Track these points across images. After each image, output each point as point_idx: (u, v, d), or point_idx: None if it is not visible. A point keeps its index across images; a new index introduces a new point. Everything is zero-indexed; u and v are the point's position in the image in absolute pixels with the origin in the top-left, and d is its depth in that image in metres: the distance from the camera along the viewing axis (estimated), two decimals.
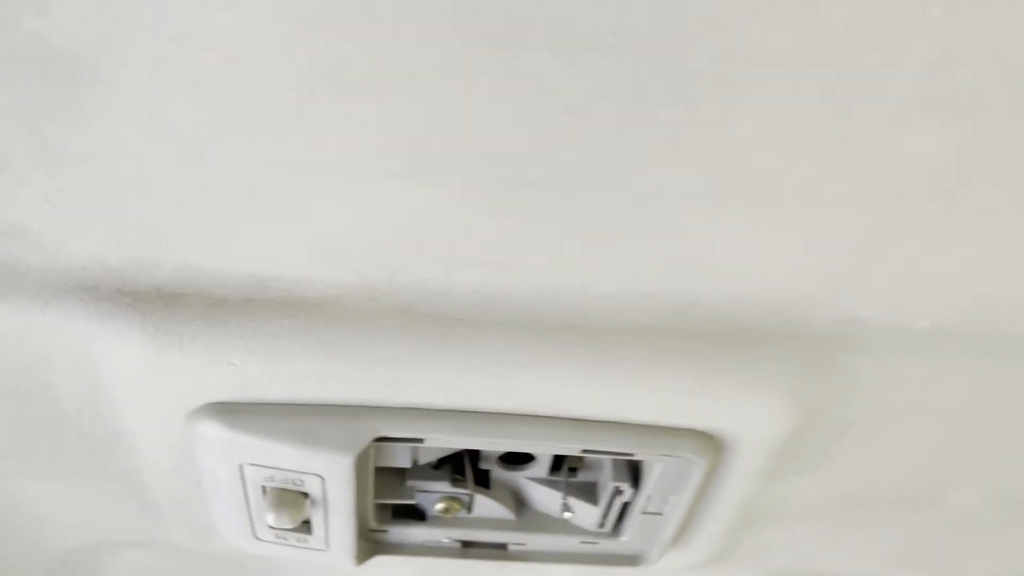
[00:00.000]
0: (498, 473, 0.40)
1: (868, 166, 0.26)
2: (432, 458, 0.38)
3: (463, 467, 0.39)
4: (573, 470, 0.40)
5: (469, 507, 0.39)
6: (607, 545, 0.42)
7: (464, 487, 0.39)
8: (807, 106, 0.25)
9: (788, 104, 0.25)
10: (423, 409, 0.33)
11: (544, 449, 0.35)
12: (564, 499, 0.38)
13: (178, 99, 0.25)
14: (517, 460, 0.40)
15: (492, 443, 0.34)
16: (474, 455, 0.39)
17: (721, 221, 0.28)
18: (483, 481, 0.40)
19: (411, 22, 0.23)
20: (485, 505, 0.40)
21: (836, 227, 0.28)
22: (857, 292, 0.31)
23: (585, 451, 0.35)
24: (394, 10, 0.23)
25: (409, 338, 0.32)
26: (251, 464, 0.34)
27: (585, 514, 0.40)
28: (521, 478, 0.40)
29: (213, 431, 0.33)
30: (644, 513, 0.39)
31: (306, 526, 0.38)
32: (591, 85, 0.24)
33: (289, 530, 0.38)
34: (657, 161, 0.26)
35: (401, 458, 0.37)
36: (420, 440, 0.34)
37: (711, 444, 0.35)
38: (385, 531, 0.41)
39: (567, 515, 0.38)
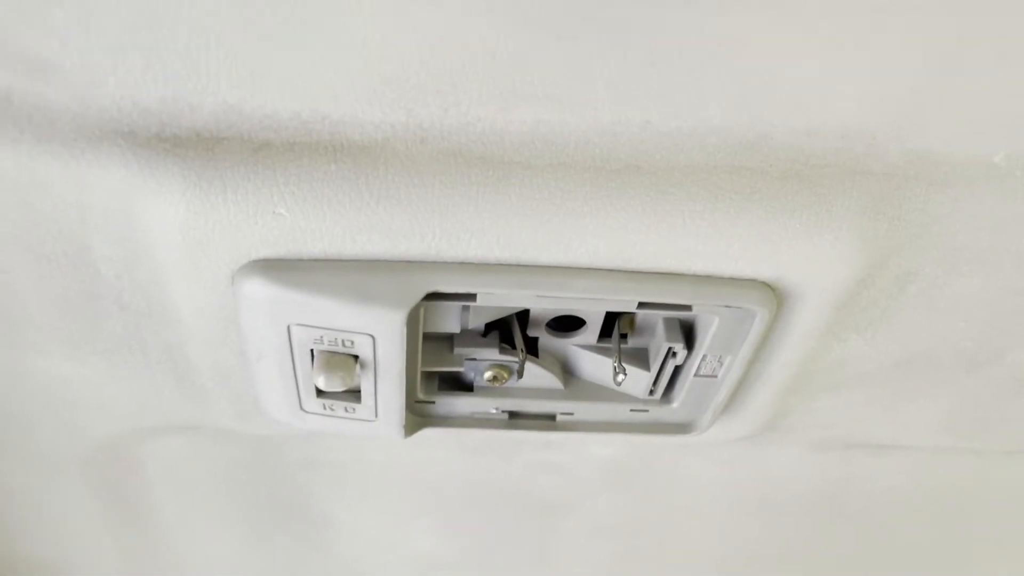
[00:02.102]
0: (546, 341, 0.39)
1: None
2: (481, 321, 0.37)
3: (511, 336, 0.38)
4: (623, 336, 0.39)
5: (519, 374, 0.38)
6: (657, 413, 0.41)
7: (512, 354, 0.38)
8: None
9: None
10: (476, 263, 0.32)
11: (600, 304, 0.34)
12: (617, 361, 0.37)
13: None
14: (565, 327, 0.39)
15: (547, 298, 0.33)
16: (522, 322, 0.38)
17: (798, 33, 0.26)
18: (531, 350, 0.39)
19: None
20: (533, 374, 0.39)
21: (922, 40, 0.27)
22: (933, 120, 0.29)
23: (642, 304, 0.33)
24: None
25: (462, 184, 0.30)
26: (299, 324, 0.33)
27: (636, 380, 0.39)
28: (570, 346, 0.39)
29: (259, 289, 0.32)
30: (697, 376, 0.38)
31: (354, 395, 0.37)
32: None
33: (337, 399, 0.37)
34: None
35: (450, 322, 0.36)
36: (472, 296, 0.33)
37: (772, 295, 0.33)
38: (432, 402, 0.40)
39: (620, 378, 0.37)
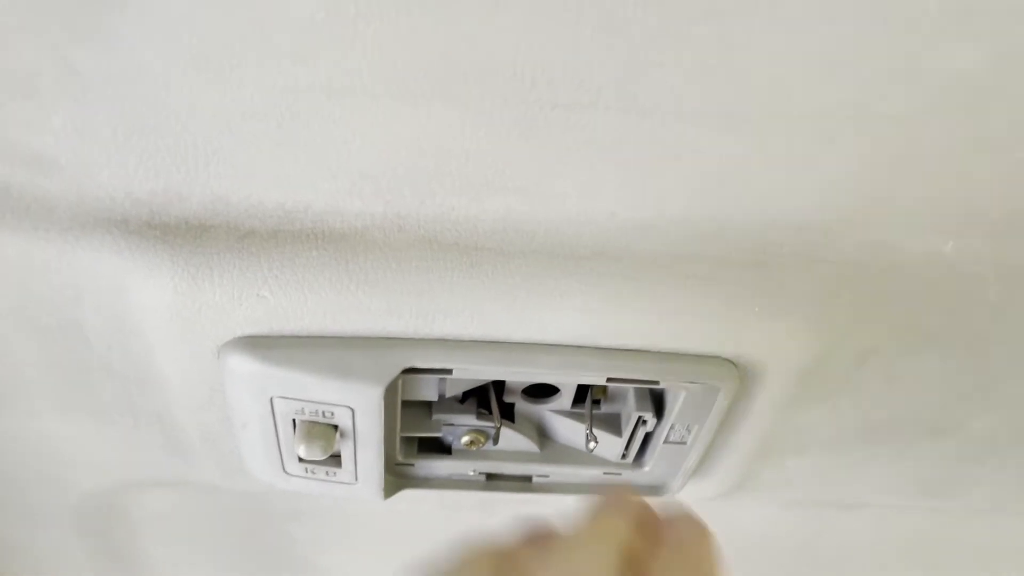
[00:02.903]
0: (522, 406, 0.40)
1: (902, 81, 0.26)
2: (458, 391, 0.38)
3: (488, 401, 0.40)
4: (596, 402, 0.40)
5: (495, 440, 0.40)
6: (630, 476, 0.42)
7: (489, 420, 0.39)
8: (841, 21, 0.24)
9: (822, 20, 0.24)
10: (451, 340, 0.34)
11: (570, 379, 0.36)
12: (589, 429, 0.39)
13: (206, 21, 0.25)
14: (541, 393, 0.40)
15: (519, 373, 0.35)
16: (499, 388, 0.40)
17: (752, 141, 0.28)
18: (508, 415, 0.41)
19: None
20: (510, 438, 0.41)
21: (867, 146, 0.28)
22: (885, 214, 0.31)
23: (610, 380, 0.35)
24: None
25: (437, 268, 0.32)
26: (281, 397, 0.34)
27: (608, 445, 0.41)
28: (545, 411, 0.41)
29: (243, 365, 0.33)
30: (667, 443, 0.40)
31: (335, 460, 0.38)
32: (623, 2, 0.24)
33: (318, 463, 0.38)
34: (688, 79, 0.26)
35: (428, 391, 0.37)
36: (448, 371, 0.34)
37: (735, 371, 0.35)
38: (411, 465, 0.41)
39: (592, 445, 0.39)
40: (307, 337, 0.33)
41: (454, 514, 0.52)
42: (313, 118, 0.27)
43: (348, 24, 0.24)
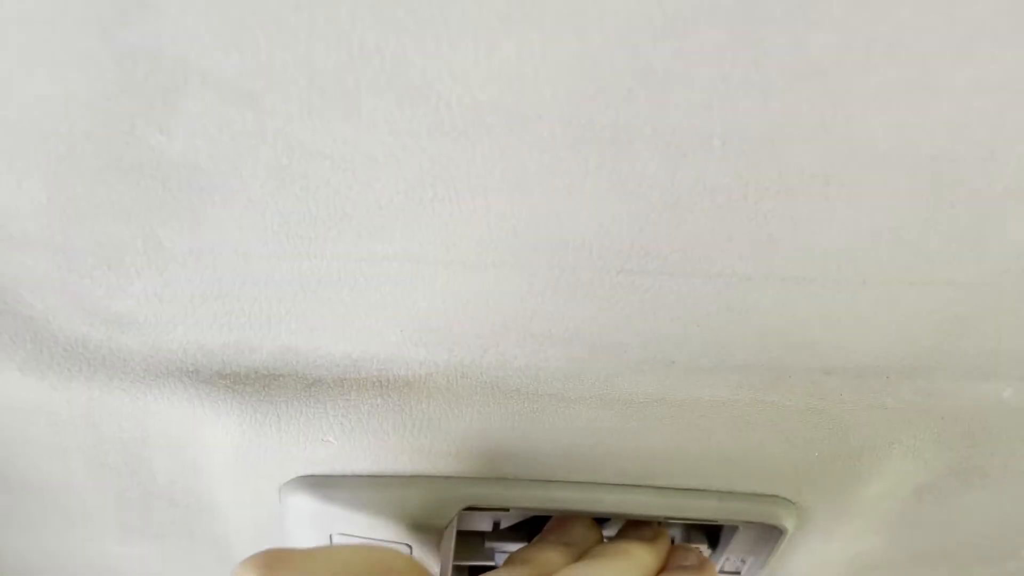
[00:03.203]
0: None
1: (967, 250, 0.26)
2: (513, 521, 0.38)
3: (541, 527, 0.40)
4: None
5: None
6: None
7: None
8: (907, 198, 0.25)
9: (889, 197, 0.25)
10: (510, 479, 0.34)
11: (627, 516, 0.36)
12: None
13: (288, 202, 0.25)
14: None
15: (576, 511, 0.35)
16: None
17: (815, 301, 0.29)
18: None
19: (522, 130, 0.24)
20: None
21: (931, 307, 0.29)
22: (946, 364, 0.31)
23: (668, 519, 0.35)
24: (506, 120, 0.23)
25: (498, 413, 0.32)
26: (341, 533, 0.35)
27: None
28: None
29: (304, 503, 0.33)
30: (722, 572, 0.39)
31: None
32: (694, 183, 0.25)
33: None
34: (754, 249, 0.27)
35: (483, 522, 0.38)
36: (506, 509, 0.35)
37: (795, 509, 0.35)
38: None
39: None
40: (367, 476, 0.34)
41: None
42: (384, 283, 0.28)
43: (425, 205, 0.25)
